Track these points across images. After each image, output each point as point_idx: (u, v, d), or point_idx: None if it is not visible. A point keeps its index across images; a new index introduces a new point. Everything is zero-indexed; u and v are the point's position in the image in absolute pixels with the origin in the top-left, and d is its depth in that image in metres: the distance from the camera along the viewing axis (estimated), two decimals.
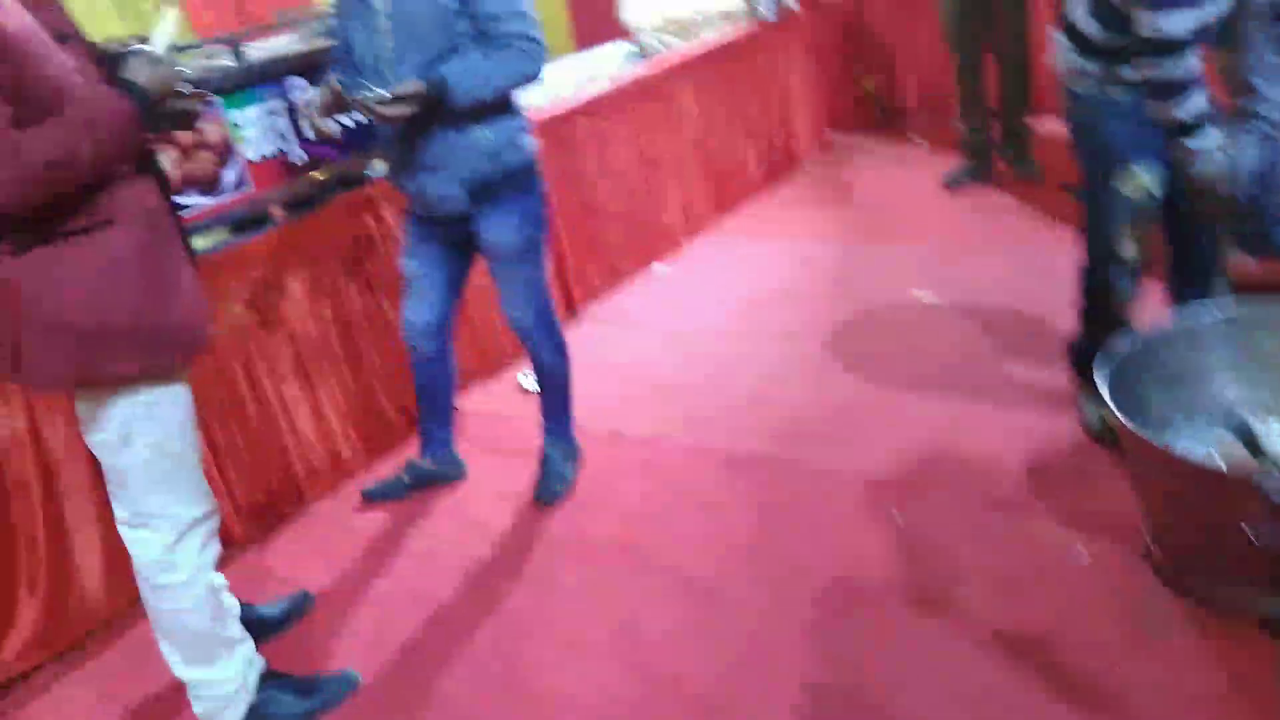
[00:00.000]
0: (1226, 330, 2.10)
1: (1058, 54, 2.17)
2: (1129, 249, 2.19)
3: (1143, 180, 2.10)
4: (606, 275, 3.85)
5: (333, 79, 2.24)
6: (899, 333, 3.18)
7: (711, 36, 4.39)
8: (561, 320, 2.56)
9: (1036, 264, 3.46)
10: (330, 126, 2.26)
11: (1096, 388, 1.95)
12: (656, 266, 4.06)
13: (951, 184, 4.37)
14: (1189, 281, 2.33)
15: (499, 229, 2.29)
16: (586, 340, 3.31)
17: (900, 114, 5.56)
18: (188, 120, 1.75)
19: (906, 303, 3.37)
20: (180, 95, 1.63)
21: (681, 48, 4.25)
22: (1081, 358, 2.42)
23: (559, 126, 3.48)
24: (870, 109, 5.53)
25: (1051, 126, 4.40)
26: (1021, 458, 2.40)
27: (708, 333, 3.42)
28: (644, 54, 4.16)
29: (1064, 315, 3.02)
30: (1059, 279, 3.31)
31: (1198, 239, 2.29)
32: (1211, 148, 1.98)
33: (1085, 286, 2.37)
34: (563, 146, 3.50)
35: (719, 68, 4.38)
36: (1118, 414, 1.84)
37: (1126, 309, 2.29)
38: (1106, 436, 2.34)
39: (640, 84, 3.94)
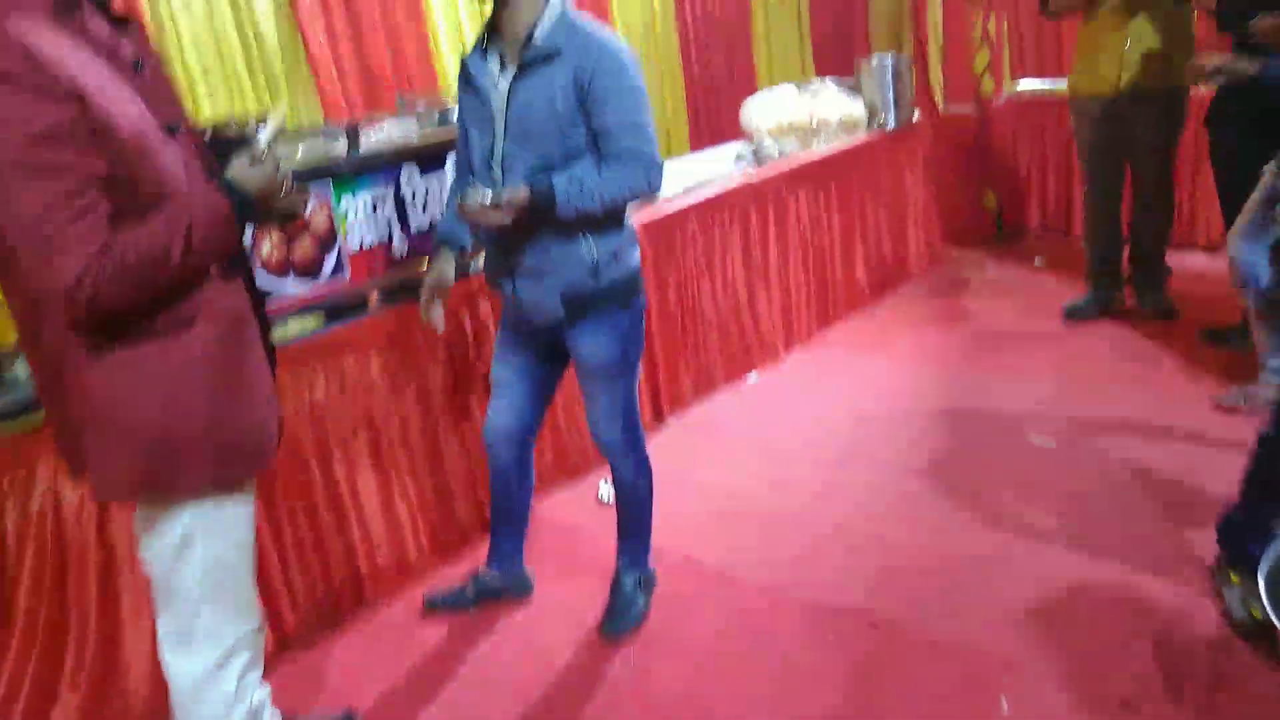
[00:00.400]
0: None
1: None
2: None
3: None
4: (699, 382, 3.71)
5: (441, 258, 2.26)
6: (1010, 476, 2.94)
7: (830, 144, 4.29)
8: (647, 427, 2.43)
9: (1169, 414, 3.20)
10: (437, 320, 2.27)
11: (1248, 572, 1.71)
12: (752, 377, 3.91)
13: (1073, 314, 4.13)
14: None
15: (593, 344, 2.18)
16: (672, 451, 3.17)
17: (1021, 234, 5.36)
18: (289, 218, 1.70)
19: (1019, 442, 3.13)
20: (283, 195, 1.58)
21: (798, 154, 4.15)
22: (1236, 534, 2.16)
23: (666, 227, 3.40)
24: (989, 226, 5.34)
25: (1189, 261, 4.16)
26: (1149, 643, 2.13)
27: (801, 455, 3.23)
28: (759, 158, 4.07)
29: (1201, 477, 2.78)
30: (1195, 434, 3.06)
31: None
32: None
33: (1265, 455, 2.11)
34: (667, 247, 3.41)
35: (834, 176, 4.27)
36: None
37: None
38: (1253, 633, 2.06)
39: (752, 188, 3.85)
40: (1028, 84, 5.28)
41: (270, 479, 2.33)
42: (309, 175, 2.39)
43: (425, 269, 2.33)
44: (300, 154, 2.50)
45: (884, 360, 3.98)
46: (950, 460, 3.09)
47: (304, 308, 2.45)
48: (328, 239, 2.46)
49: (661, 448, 2.57)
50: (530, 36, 2.01)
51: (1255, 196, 3.04)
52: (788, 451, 3.26)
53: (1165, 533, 2.55)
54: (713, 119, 4.51)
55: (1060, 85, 4.63)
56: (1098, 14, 3.71)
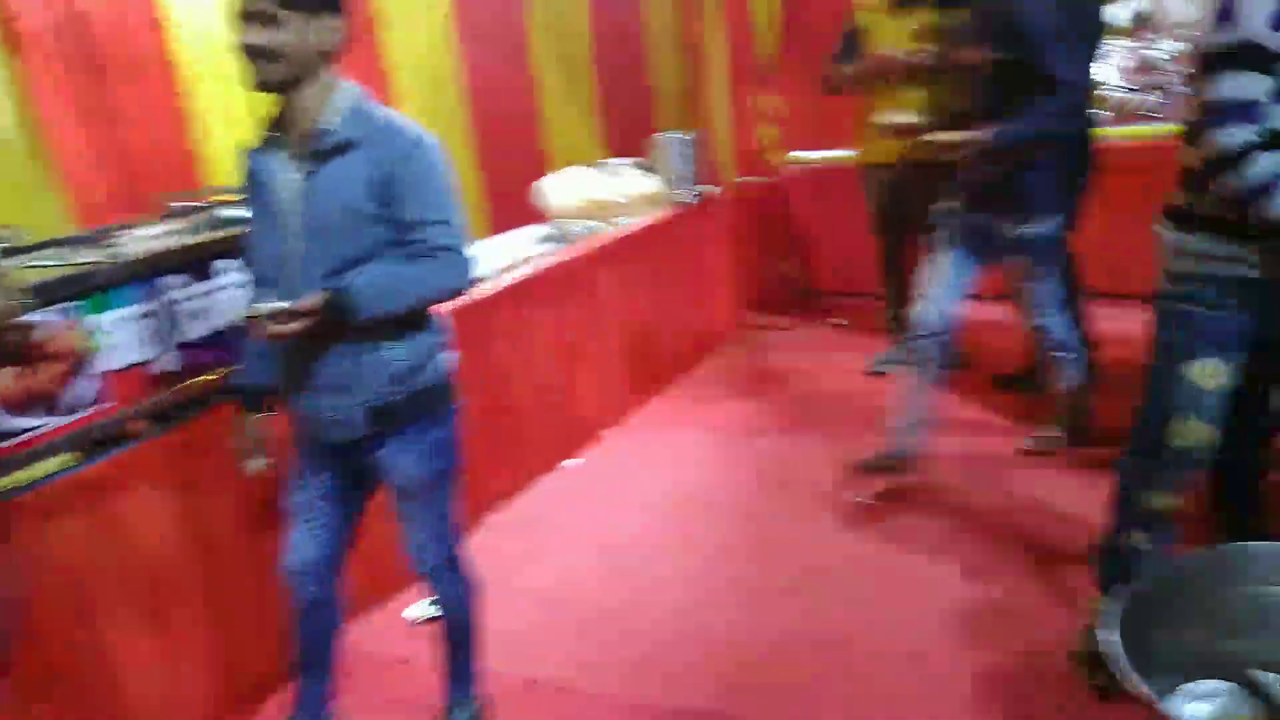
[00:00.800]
0: (1249, 572, 1.89)
1: (1161, 238, 2.05)
2: (1185, 441, 2.01)
3: (1216, 371, 1.96)
4: (517, 475, 3.54)
5: (247, 416, 2.09)
6: (843, 542, 2.93)
7: (632, 221, 4.28)
8: (466, 530, 2.22)
9: (986, 457, 3.35)
10: (257, 465, 2.10)
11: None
12: (572, 462, 3.77)
13: (878, 369, 4.28)
14: (1238, 520, 2.26)
15: (404, 460, 1.98)
16: (494, 554, 2.92)
17: (819, 296, 5.56)
18: (23, 352, 1.42)
19: (846, 505, 3.14)
20: (17, 327, 1.32)
21: (602, 232, 4.12)
22: (1108, 562, 2.21)
23: (471, 316, 3.23)
24: (789, 291, 5.51)
25: (976, 312, 4.39)
26: (1003, 701, 2.15)
27: (631, 544, 3.10)
28: (563, 238, 4.00)
29: (1035, 517, 2.90)
30: (1014, 475, 3.18)
31: (1253, 473, 2.24)
32: None
33: (1124, 476, 2.17)
34: (475, 338, 3.24)
35: (639, 252, 4.26)
36: (1127, 670, 1.61)
37: (1166, 511, 2.09)
38: (1088, 663, 2.11)
39: (559, 270, 3.76)
40: (810, 155, 5.53)
41: (15, 659, 1.95)
42: (56, 290, 2.08)
43: (234, 428, 2.13)
44: (44, 268, 2.18)
45: (702, 433, 3.95)
46: (781, 534, 3.05)
47: (53, 445, 2.10)
48: (76, 363, 2.13)
49: (483, 552, 2.36)
50: (320, 128, 1.83)
51: (1009, 276, 3.20)
52: (616, 542, 3.13)
53: (1009, 580, 2.61)
54: (509, 201, 4.41)
55: (838, 155, 4.87)
56: (875, 89, 3.91)
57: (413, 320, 1.93)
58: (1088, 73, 3.52)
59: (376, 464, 2.00)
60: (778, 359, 4.76)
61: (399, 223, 1.85)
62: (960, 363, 4.16)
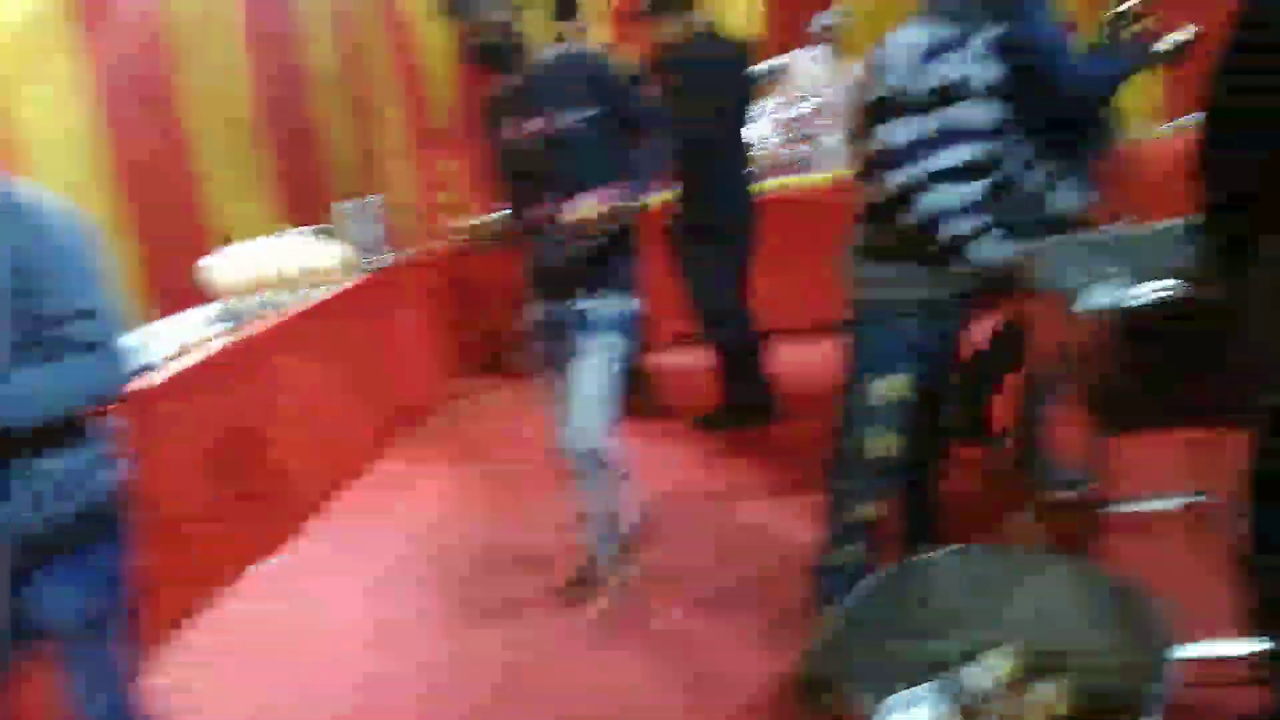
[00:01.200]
0: (932, 578, 2.05)
1: (843, 270, 2.23)
2: (876, 451, 2.18)
3: (897, 385, 2.16)
4: (200, 590, 3.16)
5: None
6: (568, 612, 2.85)
7: (315, 293, 4.04)
8: (144, 665, 1.90)
9: (691, 494, 3.45)
10: None
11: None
12: (268, 563, 3.43)
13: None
14: (916, 531, 2.44)
15: (62, 597, 1.68)
16: (179, 690, 2.51)
17: (516, 355, 5.55)
18: None
19: (568, 574, 3.09)
20: None
21: (282, 308, 3.84)
22: (824, 580, 2.33)
23: (137, 411, 2.85)
24: (486, 354, 5.47)
25: (665, 360, 4.58)
26: None
27: (336, 655, 2.83)
28: (238, 317, 3.68)
29: (746, 550, 2.99)
30: (719, 510, 3.29)
31: (924, 499, 2.46)
32: (994, 249, 2.02)
33: (830, 493, 2.33)
34: (139, 436, 2.85)
35: (324, 325, 4.02)
36: (842, 688, 1.72)
37: (869, 521, 2.26)
38: (812, 695, 2.20)
39: (233, 352, 3.45)
40: (496, 216, 5.54)
41: None
42: None
43: None
44: None
45: (413, 512, 3.77)
46: (502, 612, 2.93)
47: None
48: None
49: (165, 688, 2.04)
50: None
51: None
52: (320, 657, 2.84)
53: (733, 613, 2.67)
54: (174, 281, 3.98)
55: None
56: None
57: (62, 430, 1.66)
58: (739, 123, 3.87)
59: (28, 604, 1.68)
60: (484, 424, 4.67)
61: (35, 318, 1.59)
62: (660, 408, 4.34)
